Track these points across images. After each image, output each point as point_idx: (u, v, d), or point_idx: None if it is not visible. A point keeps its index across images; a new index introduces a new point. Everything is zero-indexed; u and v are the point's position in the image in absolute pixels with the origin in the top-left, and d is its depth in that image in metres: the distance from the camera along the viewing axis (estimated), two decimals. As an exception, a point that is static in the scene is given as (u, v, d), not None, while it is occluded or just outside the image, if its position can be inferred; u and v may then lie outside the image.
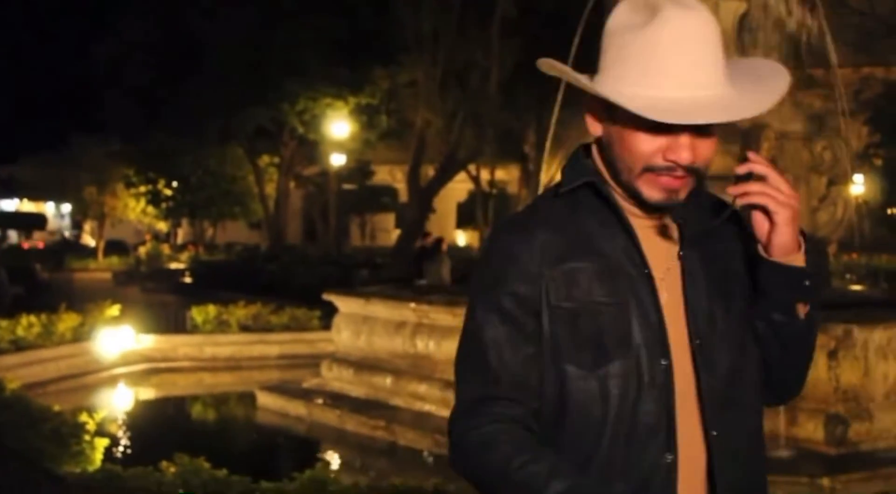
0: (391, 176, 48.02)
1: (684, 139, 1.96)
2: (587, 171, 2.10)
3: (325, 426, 10.42)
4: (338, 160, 35.17)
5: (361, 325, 11.13)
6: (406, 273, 23.56)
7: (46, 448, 6.23)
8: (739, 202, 1.99)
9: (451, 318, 9.79)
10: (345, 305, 11.64)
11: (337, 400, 10.72)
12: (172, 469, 5.25)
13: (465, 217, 53.39)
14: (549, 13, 30.41)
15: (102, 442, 7.09)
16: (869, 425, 8.11)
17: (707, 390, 2.03)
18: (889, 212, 43.15)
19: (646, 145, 1.98)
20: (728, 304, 2.09)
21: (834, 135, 12.13)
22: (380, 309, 10.98)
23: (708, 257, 2.10)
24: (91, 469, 5.85)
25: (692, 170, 1.99)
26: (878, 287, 22.17)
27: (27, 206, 65.85)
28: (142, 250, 42.89)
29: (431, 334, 10.02)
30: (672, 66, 1.93)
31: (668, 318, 2.04)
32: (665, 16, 1.95)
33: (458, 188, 47.08)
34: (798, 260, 2.00)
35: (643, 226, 2.09)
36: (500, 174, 46.94)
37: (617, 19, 2.02)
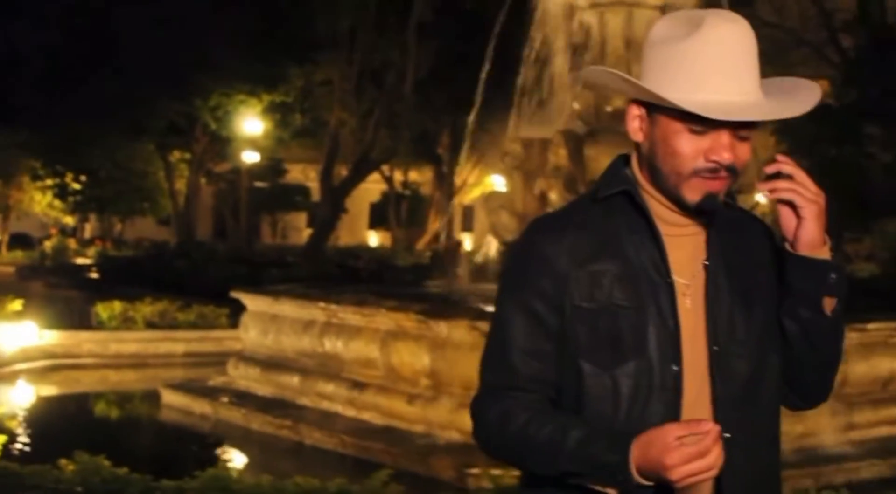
0: (304, 175, 47.83)
1: (725, 139, 2.09)
2: (625, 179, 2.22)
3: (230, 424, 10.32)
4: (250, 157, 34.95)
5: (269, 324, 11.05)
6: (316, 272, 23.49)
7: (-58, 443, 6.09)
8: (769, 197, 2.12)
9: (360, 318, 9.77)
10: (253, 303, 11.55)
11: (243, 398, 10.63)
12: (71, 467, 5.17)
13: (378, 218, 53.40)
14: (466, 16, 30.55)
15: (0, 439, 6.95)
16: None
17: (721, 394, 2.15)
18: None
19: (689, 147, 2.11)
20: (750, 313, 2.20)
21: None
22: (288, 308, 10.91)
23: (734, 267, 2.21)
24: (-14, 465, 5.73)
25: (732, 171, 2.10)
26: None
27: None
28: (47, 244, 42.14)
29: (340, 334, 9.98)
30: (717, 72, 2.08)
31: (690, 325, 2.17)
32: (709, 26, 2.09)
33: (372, 188, 47.06)
34: (824, 254, 2.12)
35: (674, 235, 2.20)
36: (413, 175, 47.13)
37: (659, 32, 2.17)
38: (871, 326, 9.31)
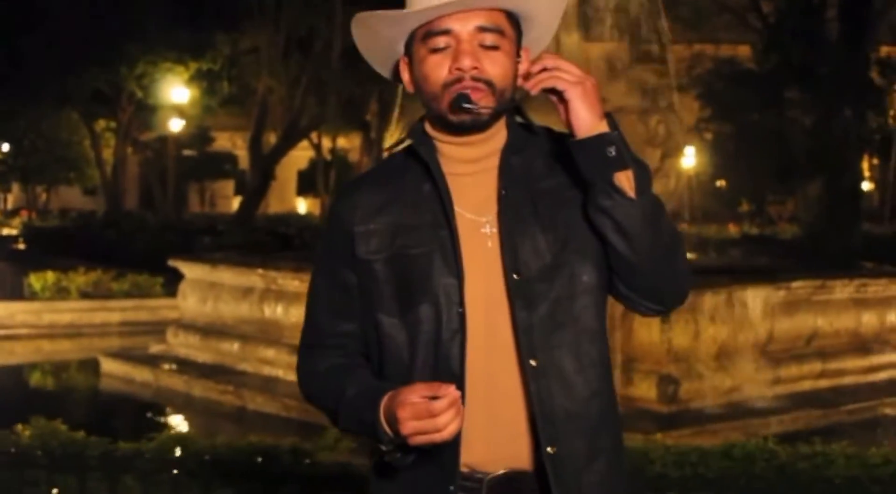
0: (231, 142, 47.54)
1: (465, 46, 2.09)
2: (411, 132, 2.24)
3: (172, 391, 10.43)
4: (177, 125, 34.69)
5: (208, 291, 11.14)
6: (247, 240, 23.49)
7: None
8: (533, 91, 2.05)
9: (299, 284, 9.89)
10: (191, 271, 11.62)
11: (184, 365, 10.73)
12: (28, 432, 5.28)
13: (306, 185, 53.24)
14: (393, -18, 30.47)
15: (-52, 408, 7.01)
16: (699, 384, 8.60)
17: (523, 321, 2.09)
18: (718, 184, 44.74)
19: (436, 69, 2.12)
20: (556, 234, 2.14)
21: (667, 110, 12.64)
22: (227, 276, 11.00)
23: (537, 189, 2.16)
24: (-59, 433, 5.81)
25: (480, 80, 2.09)
26: (707, 256, 23.03)
27: None
28: (-30, 215, 41.54)
29: (279, 300, 10.12)
30: None
31: (494, 258, 2.13)
32: None
33: (300, 156, 46.89)
34: (602, 130, 2.02)
35: (472, 173, 2.18)
36: (341, 142, 46.98)
37: None
38: (794, 284, 9.64)
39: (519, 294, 2.10)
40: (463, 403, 1.99)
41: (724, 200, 42.19)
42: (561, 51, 12.13)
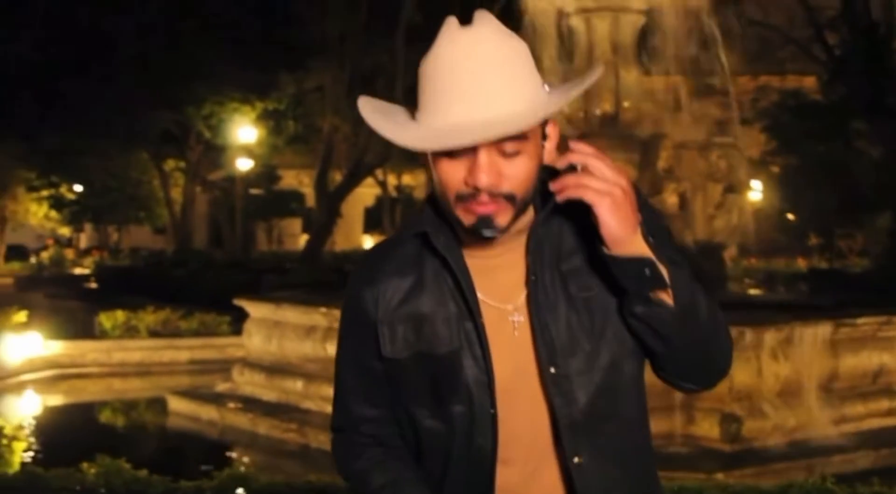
0: (298, 181, 47.97)
1: (482, 160, 1.90)
2: (425, 219, 2.09)
3: (237, 429, 10.56)
4: (244, 165, 35.12)
5: (272, 330, 11.27)
6: (314, 278, 23.67)
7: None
8: (559, 198, 1.91)
9: (362, 322, 9.96)
10: (256, 310, 11.76)
11: (249, 403, 10.86)
12: (94, 470, 5.40)
13: (372, 222, 53.52)
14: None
15: (20, 446, 7.18)
16: (762, 422, 8.53)
17: (564, 417, 2.01)
18: (787, 217, 44.26)
19: (450, 174, 1.94)
20: (592, 322, 2.03)
21: (729, 144, 12.62)
22: (290, 314, 11.12)
23: (567, 272, 2.04)
24: (11, 471, 5.96)
25: (500, 195, 1.93)
26: (774, 291, 22.85)
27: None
28: (44, 255, 42.32)
29: (342, 338, 10.18)
30: (446, 94, 1.91)
31: (525, 349, 2.04)
32: (437, 44, 1.94)
33: (366, 193, 47.24)
34: (635, 248, 1.91)
35: (495, 256, 2.05)
36: (406, 179, 47.26)
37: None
38: (860, 321, 9.55)
39: (558, 390, 2.01)
40: None
41: (793, 233, 41.68)
42: (620, 86, 12.20)
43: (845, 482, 5.27)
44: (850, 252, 40.90)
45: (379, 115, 2.02)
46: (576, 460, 2.01)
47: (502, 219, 1.94)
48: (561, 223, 2.04)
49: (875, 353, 9.60)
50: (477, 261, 2.04)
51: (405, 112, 2.02)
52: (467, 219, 1.94)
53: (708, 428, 8.38)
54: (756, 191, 41.33)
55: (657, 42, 12.90)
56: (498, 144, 1.89)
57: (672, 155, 11.59)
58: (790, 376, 8.81)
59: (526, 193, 1.96)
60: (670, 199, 11.35)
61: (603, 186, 1.86)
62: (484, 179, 1.89)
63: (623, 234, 1.89)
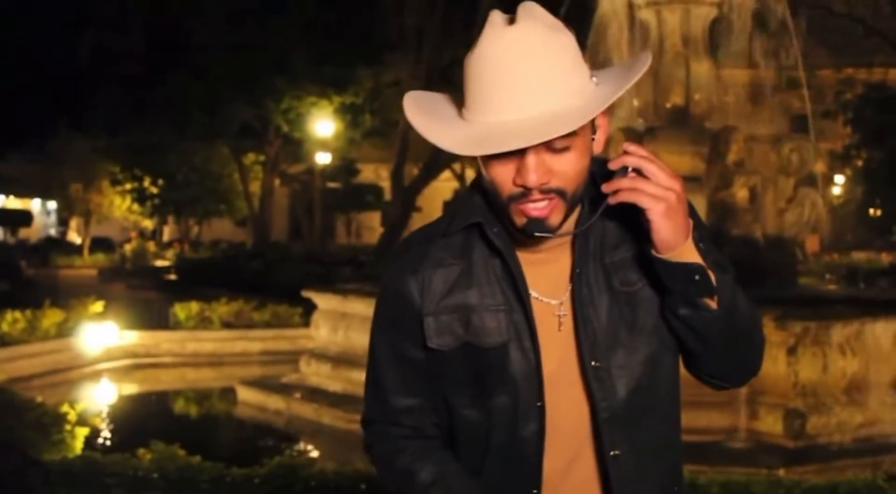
0: (376, 174, 48.22)
1: (530, 161, 1.88)
2: (475, 209, 2.06)
3: (303, 419, 10.66)
4: (323, 158, 35.38)
5: (339, 321, 11.35)
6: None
7: (29, 436, 6.47)
8: (611, 201, 1.91)
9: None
10: (323, 302, 11.86)
11: (315, 394, 10.95)
12: (149, 456, 5.49)
13: (451, 215, 53.51)
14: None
15: (83, 432, 7.33)
16: (826, 419, 8.39)
17: (604, 411, 2.03)
18: (871, 212, 43.50)
19: (500, 175, 1.93)
20: (634, 316, 2.04)
21: (802, 137, 12.43)
22: (357, 306, 11.18)
23: (610, 266, 2.05)
24: (71, 455, 6.09)
25: (551, 191, 1.92)
26: (855, 286, 22.43)
27: (13, 203, 65.82)
28: (127, 247, 43.04)
29: (407, 330, 10.23)
30: (491, 92, 1.88)
31: (568, 345, 2.04)
32: (482, 41, 1.90)
33: (444, 186, 47.27)
34: (686, 253, 1.91)
35: (542, 252, 2.05)
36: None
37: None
38: (931, 316, 9.34)
39: (599, 383, 2.02)
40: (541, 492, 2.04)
41: (876, 228, 40.97)
42: (691, 79, 12.07)
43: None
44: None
45: (424, 115, 1.99)
46: (613, 453, 2.03)
47: (554, 218, 1.94)
48: (605, 217, 2.02)
49: (949, 349, 9.37)
50: (524, 255, 2.04)
51: (453, 106, 1.99)
52: (519, 220, 1.94)
53: (772, 424, 8.27)
54: (837, 185, 40.73)
55: (730, 34, 12.75)
56: (547, 142, 1.86)
57: (743, 148, 11.43)
58: (857, 372, 8.65)
59: (577, 188, 1.95)
60: (740, 193, 11.19)
61: (658, 191, 1.86)
62: (533, 179, 1.88)
63: (675, 239, 1.89)
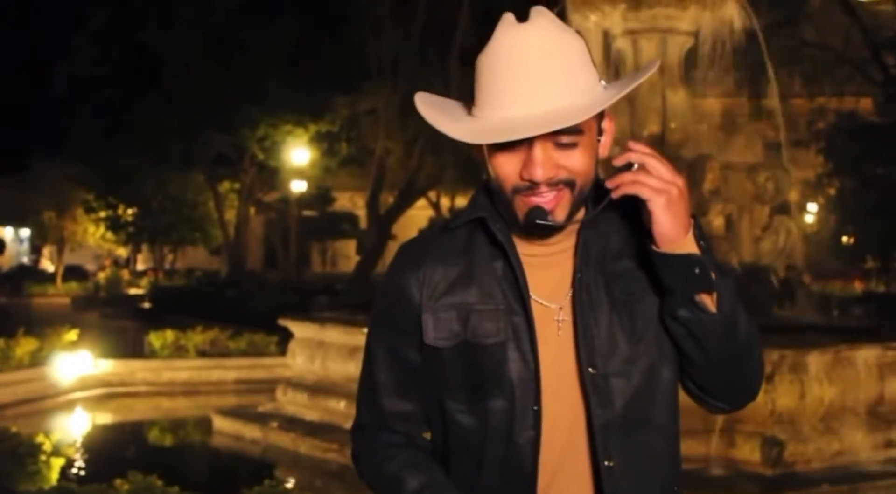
0: (352, 202, 48.25)
1: (537, 154, 1.91)
2: (481, 206, 2.07)
3: (279, 449, 10.59)
4: (298, 186, 35.35)
5: (316, 350, 11.30)
6: (364, 299, 23.74)
7: (4, 467, 6.39)
8: (615, 194, 1.92)
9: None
10: (300, 330, 11.81)
11: (292, 423, 10.88)
12: (126, 487, 5.44)
13: (426, 243, 53.52)
14: (508, 43, 30.68)
15: (58, 462, 7.27)
16: (804, 447, 8.40)
17: (599, 419, 2.00)
18: (844, 240, 43.74)
19: (504, 167, 1.96)
20: (634, 325, 2.02)
21: (777, 165, 12.51)
22: (334, 335, 11.16)
23: (612, 274, 2.04)
24: (46, 486, 6.02)
25: (560, 182, 1.94)
26: (828, 314, 22.50)
27: (-15, 231, 65.37)
28: (101, 275, 42.84)
29: (384, 358, 10.19)
30: (504, 86, 1.92)
31: (566, 349, 2.03)
32: (495, 38, 1.96)
33: (419, 215, 47.28)
34: (686, 247, 1.91)
35: (544, 255, 2.05)
36: (460, 200, 47.25)
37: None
38: (906, 344, 9.38)
39: (595, 390, 2.00)
40: None
41: (850, 256, 41.18)
42: (667, 107, 12.14)
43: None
44: (909, 275, 40.28)
45: (435, 110, 2.05)
46: (607, 463, 1.99)
47: (560, 212, 1.96)
48: (609, 226, 2.05)
49: (923, 378, 9.41)
50: (526, 257, 2.04)
51: (461, 107, 2.05)
52: (522, 209, 1.95)
53: (749, 452, 8.27)
54: (810, 214, 40.97)
55: (705, 64, 12.82)
56: (553, 137, 1.90)
57: (718, 176, 11.49)
58: (834, 400, 8.67)
59: (584, 183, 1.97)
60: (716, 221, 11.25)
61: (659, 184, 1.87)
62: (539, 173, 1.91)
63: (675, 233, 1.89)
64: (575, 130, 1.91)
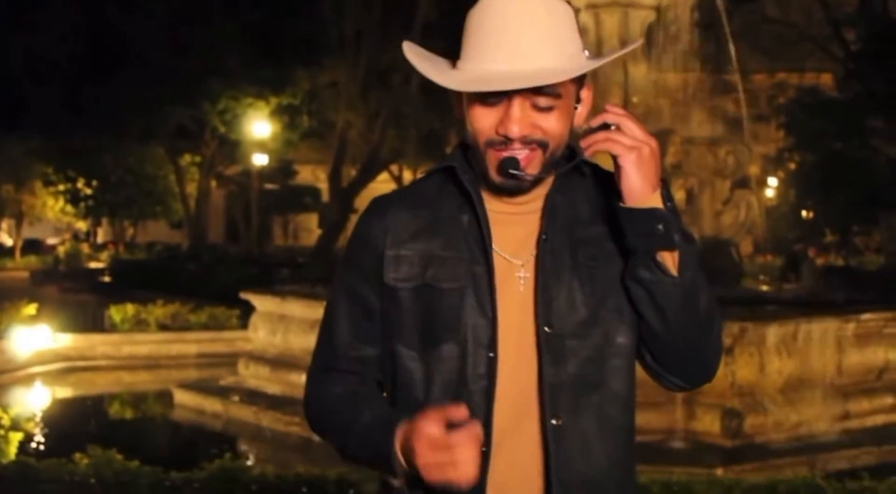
0: (314, 176, 48.04)
1: (515, 112, 1.95)
2: (452, 158, 2.11)
3: (241, 422, 10.56)
4: (259, 160, 35.18)
5: (277, 323, 11.28)
6: (326, 272, 23.69)
7: (-39, 442, 6.34)
8: (588, 152, 1.96)
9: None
10: (261, 304, 11.78)
11: (253, 396, 10.87)
12: (85, 461, 5.41)
13: (388, 217, 53.43)
14: (471, 16, 30.62)
15: (16, 437, 7.20)
16: (763, 418, 8.48)
17: (550, 378, 1.99)
18: (804, 214, 44.10)
19: (481, 120, 1.98)
20: (594, 290, 2.03)
21: (737, 140, 12.57)
22: (295, 308, 11.14)
23: (578, 240, 2.05)
24: (5, 461, 5.98)
25: (533, 142, 1.97)
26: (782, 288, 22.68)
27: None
28: (60, 249, 42.48)
29: (346, 332, 10.19)
30: (493, 41, 1.95)
31: (525, 307, 2.03)
32: None
33: (381, 188, 46.85)
34: (651, 203, 1.92)
35: (512, 213, 2.07)
36: (422, 173, 47.25)
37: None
38: (865, 316, 9.49)
39: (549, 348, 2.00)
40: (490, 450, 1.96)
41: (809, 230, 41.53)
42: (628, 82, 12.16)
43: (833, 478, 5.22)
44: (867, 249, 40.74)
45: (423, 60, 2.08)
46: (554, 421, 1.99)
47: (532, 168, 1.99)
48: (579, 195, 2.08)
49: (880, 349, 9.54)
50: (493, 214, 2.06)
51: (446, 62, 2.08)
52: (493, 163, 1.99)
53: (709, 424, 8.34)
54: (771, 188, 41.28)
55: (667, 38, 12.85)
56: (532, 97, 1.95)
57: (680, 150, 11.54)
58: (793, 372, 8.76)
59: (557, 147, 2.00)
60: (677, 195, 11.25)
61: (631, 142, 1.90)
62: (515, 130, 1.95)
63: (643, 189, 1.91)
64: (554, 93, 1.96)
